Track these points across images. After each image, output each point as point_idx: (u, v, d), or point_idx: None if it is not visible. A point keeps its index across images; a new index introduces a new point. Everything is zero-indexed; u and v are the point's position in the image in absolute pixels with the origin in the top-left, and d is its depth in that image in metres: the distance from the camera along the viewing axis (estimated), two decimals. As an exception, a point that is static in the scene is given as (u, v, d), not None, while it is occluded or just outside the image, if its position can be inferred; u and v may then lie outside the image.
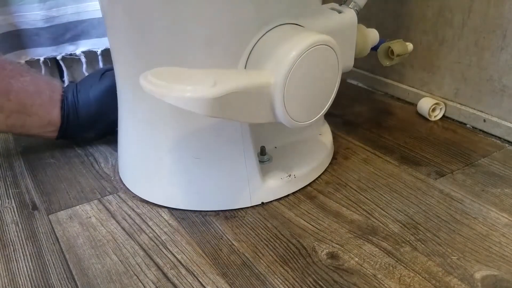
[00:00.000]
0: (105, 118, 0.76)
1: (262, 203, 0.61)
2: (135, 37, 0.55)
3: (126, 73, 0.60)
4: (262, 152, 0.63)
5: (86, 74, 0.96)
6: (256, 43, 0.52)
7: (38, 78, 0.73)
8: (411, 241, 0.53)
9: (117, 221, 0.59)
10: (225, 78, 0.47)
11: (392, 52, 0.73)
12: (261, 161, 0.62)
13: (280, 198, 0.61)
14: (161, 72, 0.46)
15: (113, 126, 0.72)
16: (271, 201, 0.61)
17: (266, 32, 0.52)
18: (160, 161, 0.60)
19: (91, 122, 0.76)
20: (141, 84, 0.45)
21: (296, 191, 0.63)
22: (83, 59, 0.94)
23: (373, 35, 0.68)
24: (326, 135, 0.71)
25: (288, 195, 0.62)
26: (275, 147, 0.66)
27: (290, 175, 0.62)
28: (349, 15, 0.62)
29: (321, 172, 0.67)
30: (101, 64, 0.97)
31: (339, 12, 0.61)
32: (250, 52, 0.52)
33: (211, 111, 0.44)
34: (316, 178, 0.65)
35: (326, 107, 0.57)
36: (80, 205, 0.63)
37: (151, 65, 0.53)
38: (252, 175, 0.59)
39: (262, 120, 0.52)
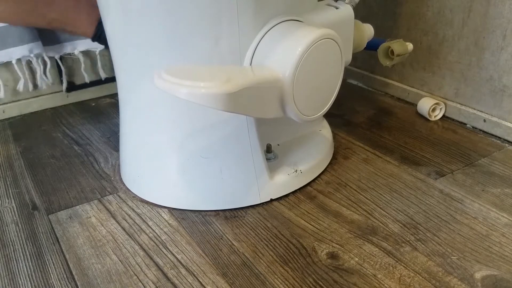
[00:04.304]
0: None
1: (271, 199, 0.61)
2: (140, 40, 0.55)
3: (130, 74, 0.60)
4: (268, 150, 0.63)
5: (85, 74, 0.96)
6: (260, 40, 0.53)
7: None
8: (411, 241, 0.53)
9: (117, 221, 0.59)
10: (237, 74, 0.48)
11: (392, 52, 0.73)
12: (267, 159, 0.62)
13: (281, 198, 0.61)
14: (174, 70, 0.47)
15: None
16: (274, 200, 0.61)
17: (269, 29, 0.53)
18: (164, 161, 0.60)
19: None
20: (155, 82, 0.45)
21: (296, 191, 0.63)
22: (82, 59, 0.94)
23: (368, 29, 0.70)
24: (326, 130, 0.72)
25: (288, 195, 0.62)
26: (278, 144, 0.67)
27: (296, 171, 0.62)
28: (346, 10, 0.63)
29: (326, 165, 0.67)
30: (100, 65, 0.97)
31: (336, 8, 0.62)
32: (255, 49, 0.53)
33: (225, 106, 0.45)
34: (317, 177, 0.65)
35: (331, 100, 0.58)
36: (80, 205, 0.63)
37: (158, 64, 0.54)
38: (260, 172, 0.59)
39: (272, 115, 0.53)
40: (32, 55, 0.88)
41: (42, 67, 0.91)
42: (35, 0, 0.75)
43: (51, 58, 0.92)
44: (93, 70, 0.98)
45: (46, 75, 0.92)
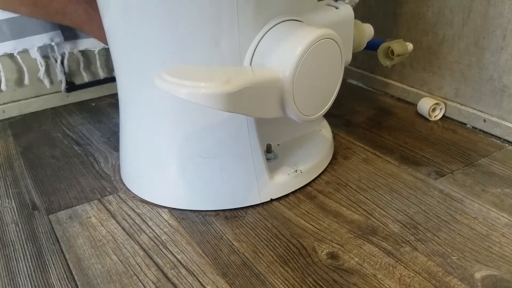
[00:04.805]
0: None
1: (271, 199, 0.61)
2: (140, 40, 0.55)
3: (130, 74, 0.60)
4: (268, 150, 0.63)
5: (83, 73, 0.96)
6: (260, 40, 0.53)
7: None
8: (411, 241, 0.53)
9: (117, 221, 0.59)
10: (237, 74, 0.48)
11: (392, 52, 0.73)
12: (267, 159, 0.62)
13: (281, 198, 0.61)
14: (174, 70, 0.47)
15: None
16: (274, 200, 0.61)
17: (269, 29, 0.53)
18: (164, 161, 0.60)
19: None
20: (156, 82, 0.46)
21: (296, 191, 0.63)
22: (81, 58, 0.95)
23: (368, 29, 0.70)
24: (326, 130, 0.72)
25: (288, 195, 0.62)
26: (278, 144, 0.67)
27: (296, 171, 0.62)
28: (346, 10, 0.63)
29: (326, 165, 0.67)
30: (99, 64, 0.97)
31: (336, 8, 0.62)
32: (255, 49, 0.53)
33: (225, 106, 0.45)
34: (317, 177, 0.65)
35: (331, 100, 0.58)
36: (80, 205, 0.63)
37: (158, 64, 0.53)
38: (260, 172, 0.59)
39: (272, 115, 0.53)
40: (53, 43, 0.89)
41: (60, 58, 0.93)
42: (46, 9, 0.75)
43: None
44: (93, 69, 0.98)
45: (64, 67, 0.93)
